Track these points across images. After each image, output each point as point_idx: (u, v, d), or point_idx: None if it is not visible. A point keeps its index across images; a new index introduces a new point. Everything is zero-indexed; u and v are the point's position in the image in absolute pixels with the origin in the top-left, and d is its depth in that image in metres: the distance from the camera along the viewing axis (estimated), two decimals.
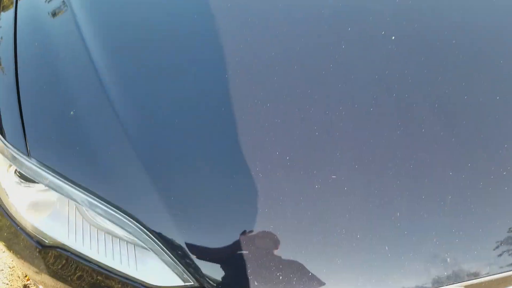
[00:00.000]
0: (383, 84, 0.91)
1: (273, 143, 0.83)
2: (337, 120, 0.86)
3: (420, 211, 0.79)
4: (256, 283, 0.75)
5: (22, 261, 0.92)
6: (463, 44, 1.00)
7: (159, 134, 0.85)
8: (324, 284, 0.75)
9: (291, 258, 0.76)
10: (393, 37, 0.98)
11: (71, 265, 0.85)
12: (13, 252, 0.92)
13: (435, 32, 1.02)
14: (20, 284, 1.61)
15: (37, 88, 0.90)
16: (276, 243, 0.77)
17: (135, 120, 0.85)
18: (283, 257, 0.77)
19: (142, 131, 0.84)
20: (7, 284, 1.60)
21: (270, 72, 0.92)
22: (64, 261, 0.86)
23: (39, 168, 0.82)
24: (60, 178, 0.81)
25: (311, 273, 0.76)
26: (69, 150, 0.83)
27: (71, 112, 0.86)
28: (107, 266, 0.81)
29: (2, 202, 0.90)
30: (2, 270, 1.59)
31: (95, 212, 0.81)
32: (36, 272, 0.92)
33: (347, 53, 0.95)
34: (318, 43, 0.97)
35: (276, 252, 0.77)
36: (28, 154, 0.84)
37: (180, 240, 0.77)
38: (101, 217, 0.81)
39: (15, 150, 0.85)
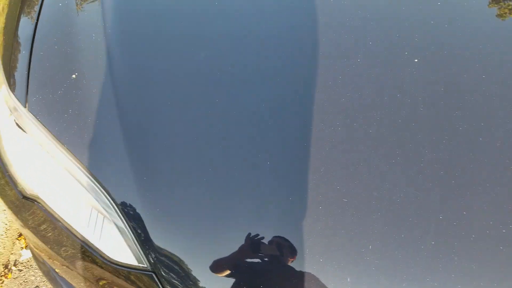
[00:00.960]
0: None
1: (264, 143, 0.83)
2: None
3: None
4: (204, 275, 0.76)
5: (10, 212, 0.96)
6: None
7: (148, 117, 0.86)
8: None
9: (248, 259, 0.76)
10: (416, 60, 0.93)
11: (44, 220, 0.89)
12: (4, 203, 0.97)
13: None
14: (11, 242, 1.69)
15: (48, 46, 0.93)
16: (239, 243, 0.77)
17: (128, 98, 0.87)
18: (236, 257, 0.76)
19: (132, 109, 0.86)
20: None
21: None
22: (39, 215, 0.90)
23: (32, 122, 0.86)
24: (47, 136, 0.84)
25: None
26: (62, 111, 0.86)
27: (73, 76, 0.89)
28: (73, 228, 0.84)
29: None
30: None
31: (73, 176, 0.83)
32: (20, 225, 0.96)
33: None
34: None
35: (233, 252, 0.77)
36: (25, 107, 0.87)
37: (143, 221, 0.79)
38: (78, 182, 0.84)
39: (16, 101, 0.89)
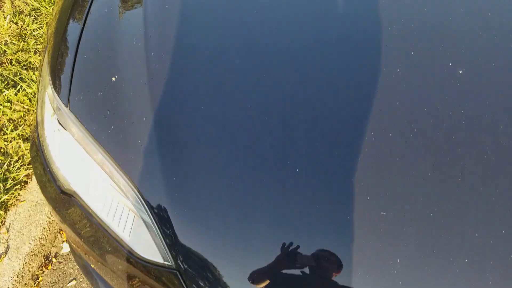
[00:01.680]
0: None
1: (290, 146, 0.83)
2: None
3: None
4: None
5: (51, 207, 1.02)
6: None
7: (181, 120, 0.88)
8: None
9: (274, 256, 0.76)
10: (461, 71, 0.90)
11: (81, 217, 0.93)
12: (46, 199, 1.03)
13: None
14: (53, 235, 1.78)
15: (92, 50, 0.98)
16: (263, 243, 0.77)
17: (163, 102, 0.89)
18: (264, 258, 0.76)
19: (167, 113, 0.88)
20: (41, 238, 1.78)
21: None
22: (76, 212, 0.94)
23: (73, 121, 0.91)
24: (86, 134, 0.89)
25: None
26: (101, 111, 0.90)
27: (113, 78, 0.93)
28: (105, 224, 0.87)
29: (42, 144, 1.00)
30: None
31: (108, 174, 0.87)
32: (60, 221, 1.01)
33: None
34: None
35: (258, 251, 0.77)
36: (67, 106, 0.92)
37: (171, 220, 0.81)
38: (112, 180, 0.87)
39: (60, 101, 0.94)
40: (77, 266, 1.68)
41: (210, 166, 0.83)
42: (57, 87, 0.96)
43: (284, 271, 0.77)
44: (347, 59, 0.93)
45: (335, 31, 0.98)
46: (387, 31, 0.95)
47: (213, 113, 0.87)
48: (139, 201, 0.84)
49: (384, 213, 0.77)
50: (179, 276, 0.79)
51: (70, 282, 1.64)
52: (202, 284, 0.79)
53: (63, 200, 0.95)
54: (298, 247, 0.76)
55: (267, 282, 0.76)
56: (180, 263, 0.79)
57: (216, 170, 0.83)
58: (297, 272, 0.76)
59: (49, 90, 0.98)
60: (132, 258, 0.86)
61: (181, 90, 0.91)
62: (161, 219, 0.81)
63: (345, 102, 0.88)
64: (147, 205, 0.82)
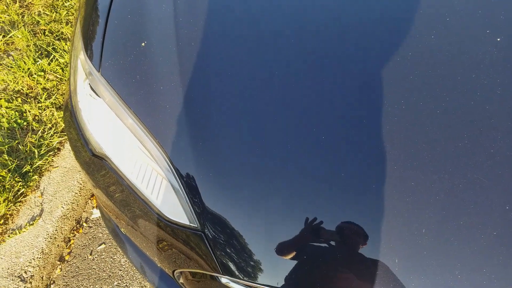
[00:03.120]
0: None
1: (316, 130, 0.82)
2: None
3: None
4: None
5: (84, 172, 1.05)
6: None
7: (209, 86, 0.88)
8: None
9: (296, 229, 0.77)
10: (499, 39, 0.86)
11: (113, 182, 0.96)
12: (79, 164, 1.06)
13: None
14: (84, 200, 1.84)
15: (122, 16, 0.99)
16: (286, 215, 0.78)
17: (191, 68, 0.90)
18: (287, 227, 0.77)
19: (194, 78, 0.89)
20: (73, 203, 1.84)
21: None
22: (109, 177, 0.97)
23: (104, 86, 0.93)
24: (117, 99, 0.90)
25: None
26: (131, 76, 0.92)
27: (142, 44, 0.94)
28: (135, 186, 0.90)
29: (75, 110, 1.03)
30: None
31: (137, 137, 0.89)
32: (92, 185, 1.05)
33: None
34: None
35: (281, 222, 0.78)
36: (99, 71, 0.94)
37: (198, 184, 0.82)
38: (141, 143, 0.89)
39: (91, 66, 0.96)
40: (107, 231, 1.75)
41: (238, 132, 0.83)
42: (89, 52, 0.98)
43: (310, 243, 0.77)
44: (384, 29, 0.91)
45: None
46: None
47: (242, 78, 0.87)
48: (167, 165, 0.85)
49: (413, 183, 0.76)
50: (205, 239, 0.81)
51: (99, 245, 1.71)
52: (228, 250, 0.80)
53: (95, 164, 0.98)
54: (325, 218, 0.77)
55: (293, 254, 0.77)
56: (206, 227, 0.81)
57: (245, 135, 0.83)
58: (323, 244, 0.77)
59: (81, 56, 1.00)
60: (160, 220, 0.88)
61: (209, 55, 0.91)
62: (188, 182, 0.83)
63: (376, 70, 0.86)
64: (174, 169, 0.84)
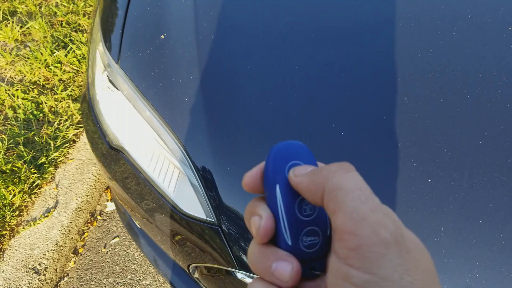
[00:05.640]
0: None
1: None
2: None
3: None
4: None
5: (101, 165, 1.04)
6: None
7: (228, 80, 0.87)
8: None
9: None
10: (510, 28, 0.83)
11: (130, 174, 0.95)
12: (96, 156, 1.05)
13: None
14: (98, 193, 1.84)
15: (142, 8, 0.98)
16: None
17: (210, 61, 0.88)
18: None
19: (213, 72, 0.87)
20: (88, 195, 1.84)
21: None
22: (125, 169, 0.96)
23: (123, 78, 0.91)
24: (135, 91, 0.89)
25: None
26: (150, 68, 0.90)
27: (162, 36, 0.92)
28: (151, 179, 0.89)
29: (93, 102, 1.02)
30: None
31: (155, 131, 0.88)
32: (109, 177, 1.04)
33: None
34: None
35: None
36: (117, 63, 0.93)
37: (214, 178, 0.81)
38: (159, 137, 0.88)
39: (110, 57, 0.95)
40: (121, 224, 1.75)
41: (256, 127, 0.82)
42: (107, 44, 0.97)
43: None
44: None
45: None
46: None
47: (262, 73, 0.86)
48: (184, 159, 0.84)
49: (430, 180, 0.73)
50: (221, 233, 0.80)
51: (113, 239, 1.71)
52: (244, 245, 0.79)
53: (112, 156, 0.97)
54: None
55: None
56: (222, 221, 0.80)
57: (263, 131, 0.81)
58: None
59: (100, 47, 0.99)
60: (176, 213, 0.87)
61: (228, 49, 0.89)
62: (205, 176, 0.81)
63: (399, 67, 0.84)
64: (192, 163, 0.83)
